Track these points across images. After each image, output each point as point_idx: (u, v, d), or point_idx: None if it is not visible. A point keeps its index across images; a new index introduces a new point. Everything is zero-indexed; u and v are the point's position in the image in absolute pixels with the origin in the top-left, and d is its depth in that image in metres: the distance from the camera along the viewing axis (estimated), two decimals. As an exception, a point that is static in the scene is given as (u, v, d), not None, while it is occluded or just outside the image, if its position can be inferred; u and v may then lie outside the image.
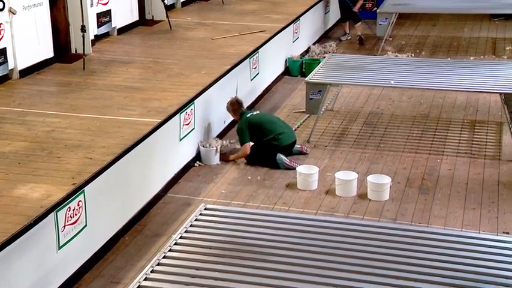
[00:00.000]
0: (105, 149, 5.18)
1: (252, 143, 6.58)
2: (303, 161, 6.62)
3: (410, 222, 5.48)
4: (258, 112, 6.77)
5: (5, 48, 6.67)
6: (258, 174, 6.38)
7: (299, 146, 6.77)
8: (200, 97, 6.57)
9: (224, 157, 6.59)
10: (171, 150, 6.09)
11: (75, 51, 7.70)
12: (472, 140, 7.14)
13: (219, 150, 6.59)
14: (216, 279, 3.53)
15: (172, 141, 6.10)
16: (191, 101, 6.37)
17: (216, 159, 6.57)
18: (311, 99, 7.06)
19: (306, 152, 6.76)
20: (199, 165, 6.54)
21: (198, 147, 6.59)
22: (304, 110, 7.38)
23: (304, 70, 9.42)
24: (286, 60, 9.48)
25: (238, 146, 6.73)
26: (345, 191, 5.93)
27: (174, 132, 6.11)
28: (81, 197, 4.66)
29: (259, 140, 6.54)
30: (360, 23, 11.02)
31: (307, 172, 6.09)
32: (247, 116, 6.59)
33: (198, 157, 6.60)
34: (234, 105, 6.70)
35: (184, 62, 7.61)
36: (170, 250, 3.82)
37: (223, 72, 7.16)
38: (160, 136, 5.78)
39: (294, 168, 6.25)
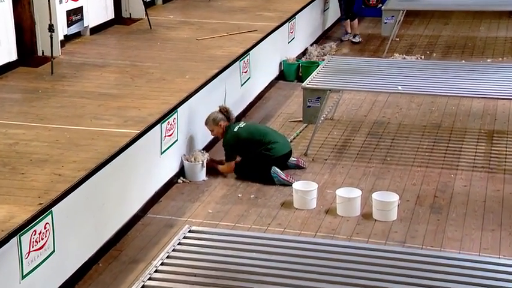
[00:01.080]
0: (76, 164, 5.16)
1: (238, 158, 6.60)
2: (300, 176, 6.62)
3: (421, 245, 5.49)
4: (244, 124, 6.76)
5: (-37, 50, 6.67)
6: (250, 192, 6.38)
7: (295, 160, 6.78)
8: (184, 105, 6.57)
9: (210, 163, 6.55)
10: (151, 165, 6.08)
11: (42, 53, 7.70)
12: (490, 152, 7.17)
13: (205, 164, 6.59)
14: (201, 311, 3.51)
15: (152, 155, 6.09)
16: (174, 109, 6.37)
17: (202, 175, 6.56)
18: (309, 107, 7.08)
19: (303, 166, 6.77)
20: (183, 181, 6.54)
21: (182, 161, 6.58)
22: (301, 119, 7.40)
23: (300, 74, 9.45)
24: (280, 63, 9.51)
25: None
26: (347, 210, 5.93)
27: (154, 144, 6.10)
28: (48, 219, 4.64)
29: (250, 152, 6.55)
30: (356, 20, 11.05)
31: (304, 189, 6.09)
32: (235, 130, 6.57)
33: (181, 173, 6.59)
34: (222, 119, 6.57)
35: (166, 65, 7.61)
36: (150, 278, 3.80)
37: (210, 77, 7.17)
38: (139, 149, 5.77)
39: (290, 184, 6.26)
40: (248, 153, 6.55)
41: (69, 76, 7.22)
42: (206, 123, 6.67)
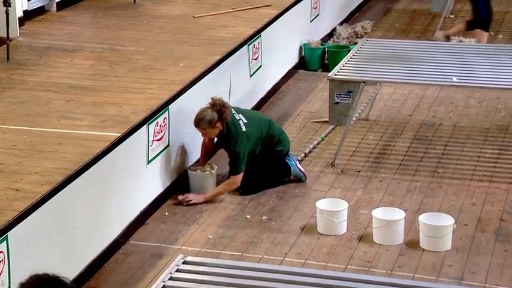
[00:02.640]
0: (38, 176, 5.17)
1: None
2: (325, 192, 6.62)
3: (484, 283, 5.46)
4: (243, 116, 6.59)
5: None
6: (261, 212, 6.38)
7: (299, 168, 6.82)
8: (177, 101, 6.58)
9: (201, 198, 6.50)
10: (135, 178, 6.09)
11: (-4, 34, 7.73)
12: None
13: (215, 174, 6.60)
14: None
15: (136, 165, 6.10)
16: (164, 106, 6.38)
17: (212, 188, 6.59)
18: (337, 103, 7.07)
19: (304, 174, 6.83)
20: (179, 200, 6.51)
21: (182, 172, 6.59)
22: (327, 119, 7.40)
23: (326, 62, 9.44)
24: (301, 47, 9.51)
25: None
26: (386, 236, 5.92)
27: (139, 151, 6.12)
28: (2, 247, 4.64)
29: (259, 152, 6.64)
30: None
31: (331, 209, 6.08)
32: (243, 129, 6.50)
33: (173, 188, 6.60)
34: (219, 120, 6.40)
35: (154, 50, 7.63)
36: (133, 323, 3.80)
37: (211, 66, 7.17)
38: (120, 157, 5.78)
39: (304, 180, 6.70)
40: (256, 154, 6.62)
41: (31, 63, 7.23)
42: (197, 125, 6.49)
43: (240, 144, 6.48)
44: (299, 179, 6.79)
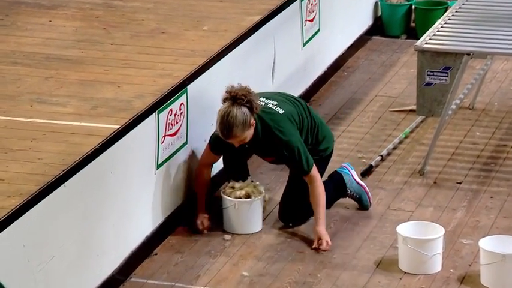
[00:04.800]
0: (4, 184, 5.21)
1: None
2: (411, 213, 6.62)
3: None
4: (271, 99, 6.60)
5: None
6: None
7: (359, 185, 6.77)
8: (199, 79, 6.63)
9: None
10: (139, 189, 6.12)
11: None
12: None
13: (263, 202, 6.56)
14: None
15: (141, 170, 6.13)
16: (181, 87, 6.41)
17: (258, 222, 6.54)
18: (428, 84, 7.06)
19: (367, 193, 6.76)
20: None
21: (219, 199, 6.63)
22: (414, 107, 7.39)
23: (413, 24, 9.45)
24: (376, 3, 9.51)
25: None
26: (501, 277, 5.90)
27: (145, 150, 6.15)
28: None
29: None
30: None
31: (420, 237, 6.07)
32: (280, 112, 6.44)
33: (192, 204, 6.63)
34: (250, 115, 6.30)
35: (166, 7, 7.66)
36: None
37: (247, 30, 7.20)
38: (118, 159, 5.82)
39: (366, 206, 6.72)
40: None
41: (-7, 25, 7.33)
42: (231, 135, 6.30)
43: (289, 131, 6.41)
44: (358, 200, 6.73)
